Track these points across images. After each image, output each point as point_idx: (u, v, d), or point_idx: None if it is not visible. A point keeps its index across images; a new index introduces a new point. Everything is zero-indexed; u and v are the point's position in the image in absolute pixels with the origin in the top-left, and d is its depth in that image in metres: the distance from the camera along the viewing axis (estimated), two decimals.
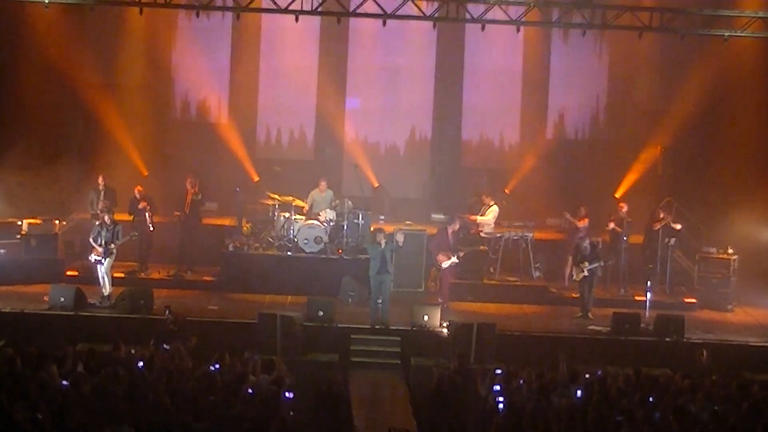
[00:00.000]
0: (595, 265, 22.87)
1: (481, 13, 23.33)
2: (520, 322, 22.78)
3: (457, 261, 23.45)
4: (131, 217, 24.07)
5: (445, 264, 23.31)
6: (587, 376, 17.80)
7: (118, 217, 23.10)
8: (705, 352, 19.83)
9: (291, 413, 15.99)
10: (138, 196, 24.13)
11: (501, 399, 16.84)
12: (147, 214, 23.88)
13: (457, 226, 23.67)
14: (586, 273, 22.83)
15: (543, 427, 15.14)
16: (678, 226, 24.87)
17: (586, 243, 22.91)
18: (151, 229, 23.99)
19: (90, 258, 22.29)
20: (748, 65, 26.20)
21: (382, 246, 21.80)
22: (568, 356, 18.86)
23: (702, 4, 24.27)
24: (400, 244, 22.24)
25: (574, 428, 15.44)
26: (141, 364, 17.07)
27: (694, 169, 27.49)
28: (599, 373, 17.83)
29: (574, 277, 23.21)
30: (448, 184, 28.35)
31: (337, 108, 28.09)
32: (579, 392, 16.95)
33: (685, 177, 27.37)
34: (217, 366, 17.34)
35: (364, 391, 19.23)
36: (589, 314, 23.00)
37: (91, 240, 22.27)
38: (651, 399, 16.55)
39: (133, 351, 17.69)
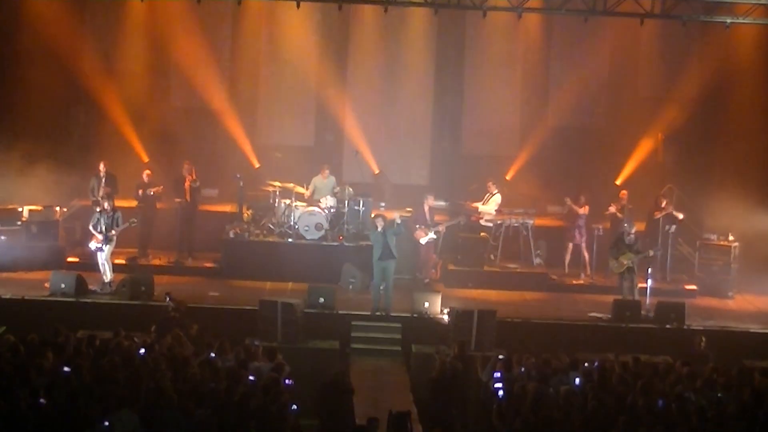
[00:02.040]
0: (641, 256, 22.76)
1: (482, 0, 23.30)
2: (520, 309, 22.80)
3: (434, 237, 23.61)
4: (135, 203, 24.12)
5: (423, 240, 23.56)
6: (585, 364, 17.85)
7: (121, 202, 23.12)
8: (704, 339, 19.84)
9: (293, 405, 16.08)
10: (146, 180, 24.17)
11: (501, 385, 16.90)
12: (153, 191, 23.95)
13: (431, 202, 23.92)
14: (630, 264, 22.75)
15: (543, 413, 15.18)
16: (680, 216, 24.85)
17: (632, 234, 22.78)
18: (152, 193, 24.04)
19: (90, 245, 22.30)
20: (749, 52, 26.19)
21: (379, 229, 21.81)
22: (569, 345, 18.95)
23: None
24: (398, 221, 22.23)
25: (574, 415, 15.48)
26: (142, 350, 17.13)
27: (694, 156, 27.47)
28: (596, 364, 17.84)
29: (614, 269, 23.07)
30: (449, 170, 28.32)
31: (337, 94, 28.03)
32: (577, 380, 16.99)
33: (685, 164, 27.36)
34: (218, 353, 17.40)
35: (365, 378, 19.25)
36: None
37: (90, 227, 22.28)
38: (651, 386, 16.58)
39: (136, 340, 17.70)
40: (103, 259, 22.14)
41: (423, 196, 24.36)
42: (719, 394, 16.29)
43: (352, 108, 28.20)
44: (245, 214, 25.08)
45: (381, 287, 21.87)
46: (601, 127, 28.55)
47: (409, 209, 25.36)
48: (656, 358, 19.22)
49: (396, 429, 15.09)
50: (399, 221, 22.26)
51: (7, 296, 21.42)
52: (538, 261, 25.22)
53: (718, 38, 25.61)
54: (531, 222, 25.14)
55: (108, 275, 22.20)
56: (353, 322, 21.55)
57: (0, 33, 25.69)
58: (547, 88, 28.36)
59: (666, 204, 24.86)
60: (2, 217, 23.88)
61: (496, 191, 25.13)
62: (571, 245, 24.95)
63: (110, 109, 26.93)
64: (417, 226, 23.92)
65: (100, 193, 23.55)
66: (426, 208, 24.03)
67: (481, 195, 25.45)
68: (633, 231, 22.81)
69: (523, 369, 17.56)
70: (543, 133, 27.89)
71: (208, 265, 24.57)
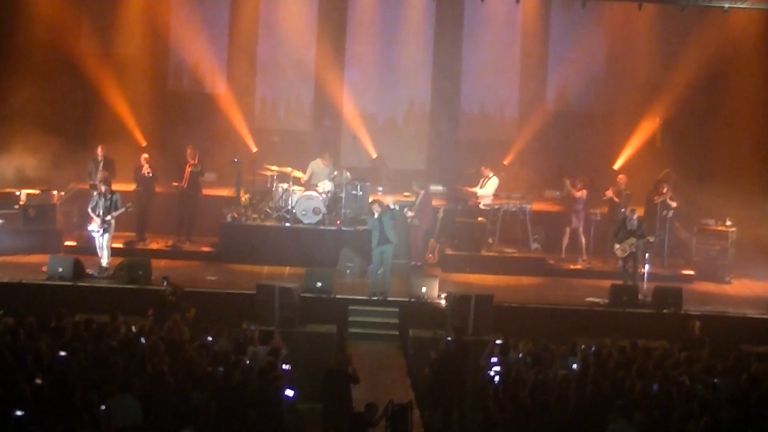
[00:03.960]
0: (644, 240, 22.73)
1: None
2: (517, 293, 22.81)
3: (414, 222, 23.74)
4: (134, 186, 24.13)
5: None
6: (582, 346, 17.89)
7: (119, 186, 23.08)
8: (698, 324, 19.85)
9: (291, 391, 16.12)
10: (144, 164, 24.15)
11: (498, 370, 16.92)
12: (146, 169, 23.98)
13: (417, 189, 24.29)
14: (633, 249, 22.71)
15: (540, 398, 15.21)
16: (674, 204, 24.83)
17: (635, 218, 22.75)
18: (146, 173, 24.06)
19: (89, 228, 22.27)
20: (747, 37, 26.18)
21: (375, 215, 21.82)
22: (566, 329, 18.99)
23: None
24: (392, 206, 22.23)
25: (571, 399, 15.51)
26: (139, 335, 17.15)
27: (692, 141, 27.43)
28: (593, 348, 17.88)
29: (618, 253, 22.99)
30: (447, 155, 28.30)
31: (335, 78, 27.99)
32: (575, 365, 17.03)
33: (683, 149, 27.29)
34: (215, 337, 17.43)
35: (362, 362, 19.23)
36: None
37: (89, 210, 22.25)
38: (647, 371, 16.63)
39: (133, 328, 17.68)
40: (103, 243, 22.11)
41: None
42: (716, 380, 16.31)
43: (350, 92, 28.15)
44: (243, 199, 25.06)
45: (379, 271, 21.88)
46: (599, 111, 28.52)
47: (407, 194, 25.40)
48: (653, 343, 19.25)
49: (396, 421, 15.10)
50: (393, 207, 22.35)
51: (5, 280, 21.41)
52: (536, 246, 25.19)
53: (716, 23, 25.58)
54: (529, 207, 25.08)
55: (105, 259, 22.17)
56: (351, 307, 21.55)
57: None
58: (546, 73, 28.30)
59: (666, 190, 24.81)
60: (0, 201, 23.85)
61: (491, 174, 25.15)
62: (568, 230, 24.93)
63: (108, 93, 26.88)
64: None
65: (98, 177, 23.51)
66: (418, 197, 24.21)
67: (476, 180, 25.43)
68: (635, 216, 22.79)
69: (520, 354, 17.59)
70: (541, 117, 27.86)
71: (206, 249, 24.56)
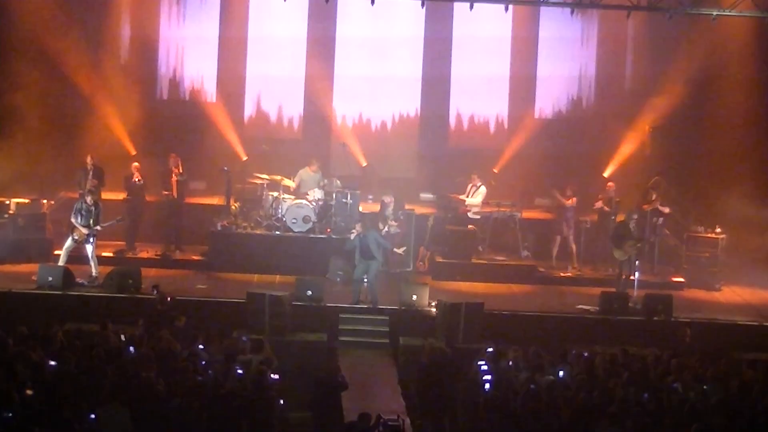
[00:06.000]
0: (643, 243, 22.73)
1: None
2: (508, 301, 22.80)
3: (398, 230, 23.77)
4: (124, 195, 24.10)
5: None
6: (573, 351, 17.90)
7: (109, 195, 22.99)
8: (688, 331, 19.86)
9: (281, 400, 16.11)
10: (134, 173, 24.12)
11: (488, 378, 16.90)
12: (136, 176, 23.96)
13: (387, 199, 24.33)
14: (634, 252, 22.69)
15: (531, 406, 15.19)
16: (666, 210, 24.89)
17: (633, 223, 22.79)
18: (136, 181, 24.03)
19: (73, 236, 22.13)
20: (736, 44, 26.22)
21: (353, 237, 21.82)
22: (557, 337, 18.98)
23: None
24: (355, 235, 22.09)
25: (562, 407, 15.50)
26: (129, 344, 17.10)
27: (681, 148, 27.48)
28: (585, 355, 17.89)
29: (618, 256, 23.01)
30: (437, 163, 28.33)
31: (325, 87, 28.02)
32: (561, 373, 17.00)
33: (672, 156, 27.36)
34: (205, 346, 17.40)
35: (353, 370, 19.20)
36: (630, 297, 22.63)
37: (72, 219, 22.16)
38: (639, 378, 16.64)
39: (123, 337, 17.64)
40: (89, 252, 22.07)
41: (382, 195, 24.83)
42: (706, 387, 16.32)
43: (340, 100, 28.18)
44: (233, 207, 25.03)
45: (364, 279, 21.84)
46: (588, 119, 28.58)
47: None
48: (644, 351, 19.25)
49: None
50: (387, 230, 22.52)
51: None
52: (526, 253, 25.19)
53: (704, 31, 25.60)
54: (519, 214, 25.11)
55: (94, 269, 22.12)
56: (341, 315, 21.52)
57: None
58: (535, 81, 28.35)
59: (655, 198, 24.86)
60: None
61: (480, 183, 25.12)
62: (558, 238, 24.94)
63: (96, 101, 26.87)
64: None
65: (87, 186, 23.49)
66: (388, 206, 24.23)
67: (466, 188, 25.44)
68: (634, 218, 22.84)
69: (510, 362, 17.58)
70: (531, 125, 27.92)
71: (196, 257, 24.54)
